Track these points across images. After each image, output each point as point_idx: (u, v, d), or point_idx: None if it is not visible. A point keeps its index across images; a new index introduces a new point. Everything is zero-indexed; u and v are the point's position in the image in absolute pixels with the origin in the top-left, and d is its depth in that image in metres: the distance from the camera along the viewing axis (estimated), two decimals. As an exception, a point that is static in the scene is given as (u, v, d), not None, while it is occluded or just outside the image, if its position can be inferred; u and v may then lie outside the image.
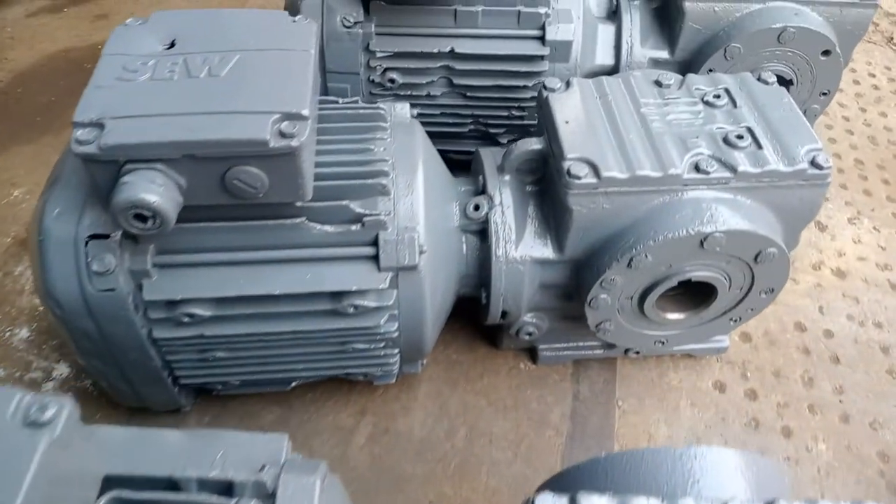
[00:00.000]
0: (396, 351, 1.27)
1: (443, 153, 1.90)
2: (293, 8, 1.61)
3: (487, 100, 1.71)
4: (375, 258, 1.14)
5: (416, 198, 1.18)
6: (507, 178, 1.30)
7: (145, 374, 1.23)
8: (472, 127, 1.80)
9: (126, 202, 0.94)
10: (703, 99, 1.28)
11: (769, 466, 0.69)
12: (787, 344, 1.67)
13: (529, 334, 1.42)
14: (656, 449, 0.67)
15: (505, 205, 1.28)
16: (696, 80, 1.32)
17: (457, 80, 1.67)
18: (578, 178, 1.13)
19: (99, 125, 0.97)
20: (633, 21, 1.73)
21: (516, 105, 1.72)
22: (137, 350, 1.17)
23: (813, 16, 1.62)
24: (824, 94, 1.73)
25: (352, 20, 1.57)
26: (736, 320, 1.35)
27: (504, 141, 1.83)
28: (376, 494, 1.33)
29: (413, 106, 1.71)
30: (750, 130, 1.21)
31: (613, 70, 1.75)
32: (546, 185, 1.28)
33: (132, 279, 1.10)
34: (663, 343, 1.38)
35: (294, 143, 0.97)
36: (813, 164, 1.17)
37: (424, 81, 1.67)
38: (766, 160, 1.16)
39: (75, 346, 1.18)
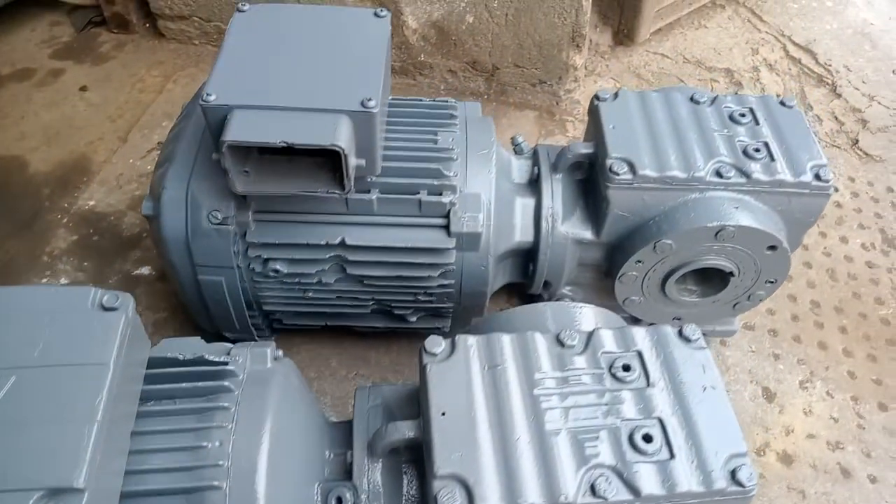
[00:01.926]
0: None
1: (346, 327, 1.70)
2: (154, 197, 1.38)
3: (388, 287, 1.50)
4: None
5: (256, 509, 0.97)
6: (378, 462, 1.09)
7: None
8: (374, 307, 1.58)
9: None
10: (610, 369, 1.07)
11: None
12: (722, 568, 1.48)
13: None
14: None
15: (373, 496, 1.07)
16: (605, 340, 1.10)
17: (351, 270, 1.45)
18: (446, 508, 0.92)
19: None
20: (555, 195, 1.52)
21: (423, 291, 1.51)
22: None
23: (757, 206, 1.42)
24: (771, 282, 1.53)
25: (220, 216, 1.34)
26: None
27: (413, 319, 1.62)
28: None
29: (304, 291, 1.51)
30: (661, 425, 1.01)
31: (533, 248, 1.54)
32: (424, 469, 1.08)
33: None
34: None
35: (58, 537, 0.76)
36: (733, 476, 0.97)
37: (313, 271, 1.45)
38: (676, 479, 0.96)
39: None
